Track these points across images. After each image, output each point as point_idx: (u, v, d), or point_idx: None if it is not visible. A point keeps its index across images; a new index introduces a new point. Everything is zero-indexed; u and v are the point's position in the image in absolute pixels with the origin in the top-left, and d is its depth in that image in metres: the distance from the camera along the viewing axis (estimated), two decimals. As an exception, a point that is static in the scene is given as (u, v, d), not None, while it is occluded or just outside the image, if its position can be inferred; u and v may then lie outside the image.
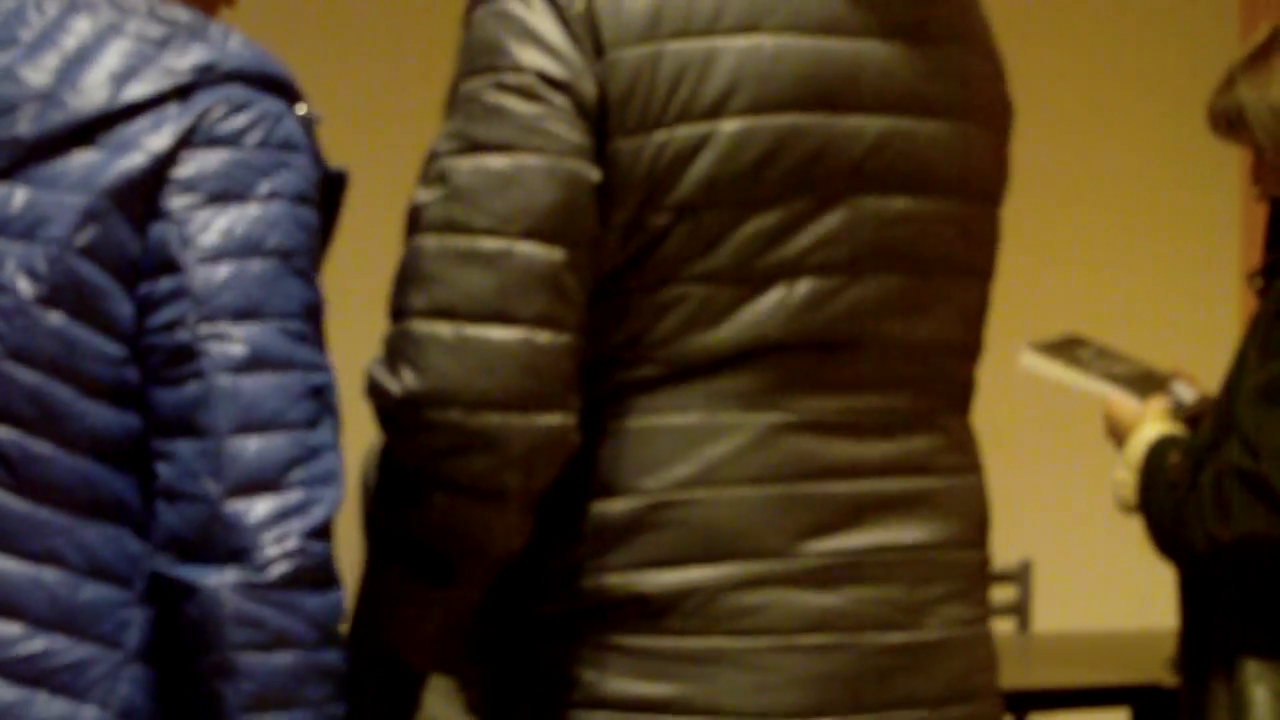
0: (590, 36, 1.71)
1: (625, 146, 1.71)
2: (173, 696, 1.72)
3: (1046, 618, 4.95)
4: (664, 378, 1.75)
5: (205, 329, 1.68)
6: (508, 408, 1.68)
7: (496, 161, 1.70)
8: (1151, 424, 2.78)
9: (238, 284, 1.69)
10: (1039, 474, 5.21)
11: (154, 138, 1.71)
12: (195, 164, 1.71)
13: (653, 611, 1.74)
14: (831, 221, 1.76)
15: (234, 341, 1.69)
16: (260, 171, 1.72)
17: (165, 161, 1.70)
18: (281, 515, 1.67)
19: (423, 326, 1.69)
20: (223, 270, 1.69)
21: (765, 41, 1.73)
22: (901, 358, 1.80)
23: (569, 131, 1.70)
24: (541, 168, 1.69)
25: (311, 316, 1.75)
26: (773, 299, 1.75)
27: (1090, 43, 5.49)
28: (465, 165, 1.70)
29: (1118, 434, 2.83)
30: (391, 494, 1.74)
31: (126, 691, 1.69)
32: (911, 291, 1.80)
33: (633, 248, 1.74)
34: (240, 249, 1.70)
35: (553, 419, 1.70)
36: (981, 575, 1.89)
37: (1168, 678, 3.12)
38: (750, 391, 1.75)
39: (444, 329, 1.68)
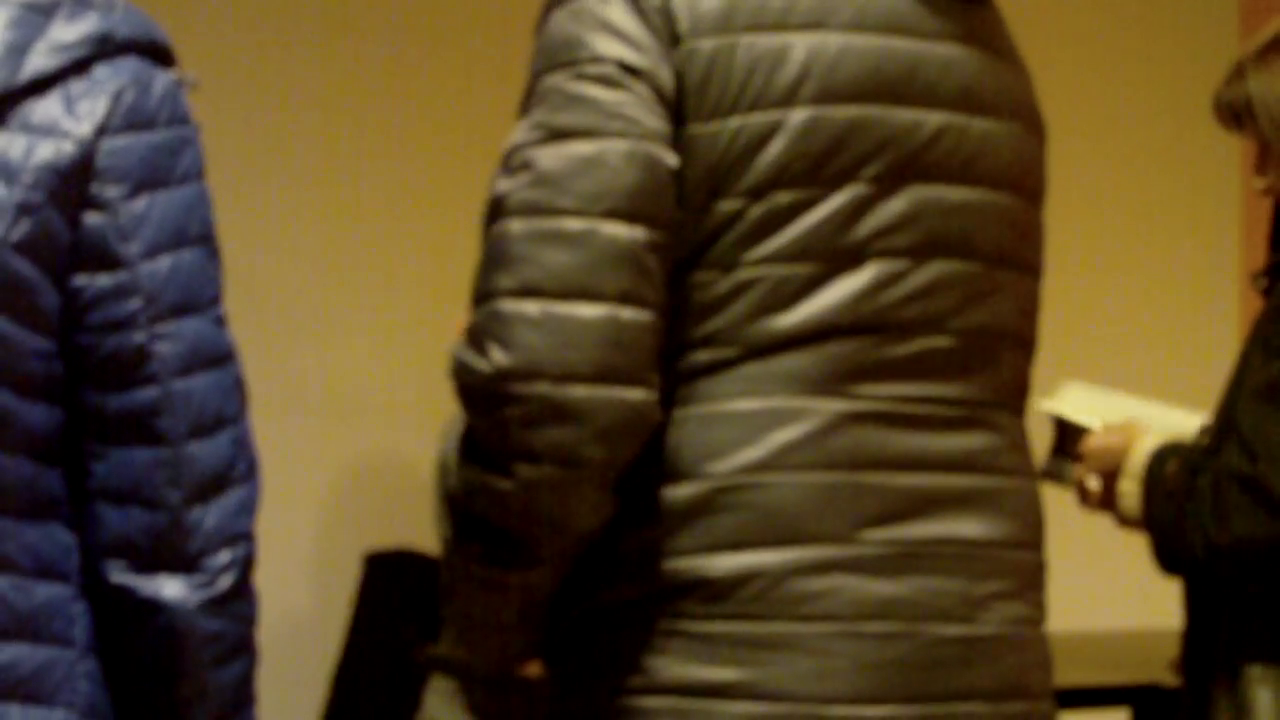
0: (667, 27, 1.79)
1: (701, 131, 1.79)
2: (118, 685, 1.69)
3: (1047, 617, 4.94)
4: (734, 361, 1.80)
5: (158, 329, 1.64)
6: (593, 381, 1.73)
7: (580, 147, 1.76)
8: (1151, 436, 2.75)
9: (177, 278, 1.65)
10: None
11: (72, 122, 1.62)
12: (119, 151, 1.63)
13: (716, 595, 1.77)
14: (894, 208, 1.83)
15: (179, 340, 1.64)
16: (172, 152, 1.67)
17: (90, 149, 1.63)
18: (232, 516, 1.66)
19: (510, 305, 1.74)
20: (164, 264, 1.64)
21: (831, 37, 1.82)
22: (961, 343, 1.86)
23: (649, 117, 1.77)
24: (623, 151, 1.76)
25: (223, 296, 1.70)
26: (841, 283, 1.81)
27: (1089, 43, 5.48)
28: (549, 152, 1.76)
29: (1111, 456, 2.79)
30: (473, 476, 1.78)
31: (86, 688, 1.66)
32: (969, 279, 1.87)
33: (706, 232, 1.79)
34: (173, 240, 1.65)
35: (636, 394, 1.75)
36: (1037, 577, 1.96)
37: (1168, 678, 3.12)
38: (817, 376, 1.80)
39: (531, 307, 1.73)
